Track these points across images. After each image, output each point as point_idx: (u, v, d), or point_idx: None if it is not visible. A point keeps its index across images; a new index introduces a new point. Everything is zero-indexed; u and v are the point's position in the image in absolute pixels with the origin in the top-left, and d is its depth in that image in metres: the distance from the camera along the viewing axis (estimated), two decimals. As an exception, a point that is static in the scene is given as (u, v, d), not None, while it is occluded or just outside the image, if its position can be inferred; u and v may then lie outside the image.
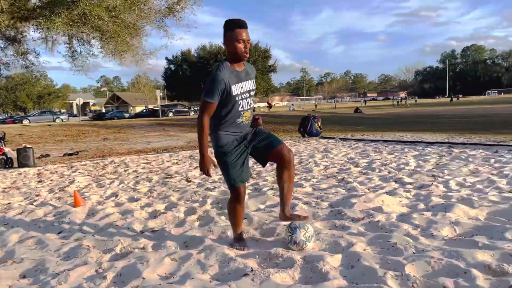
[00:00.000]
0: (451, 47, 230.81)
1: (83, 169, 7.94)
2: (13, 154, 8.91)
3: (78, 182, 6.35)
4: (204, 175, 2.98)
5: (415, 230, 3.26)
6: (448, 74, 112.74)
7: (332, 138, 11.82)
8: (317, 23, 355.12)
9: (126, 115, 51.35)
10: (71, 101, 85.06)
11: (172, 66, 61.78)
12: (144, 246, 3.32)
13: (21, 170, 8.18)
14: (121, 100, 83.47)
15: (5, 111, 72.01)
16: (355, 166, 6.57)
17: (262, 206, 4.37)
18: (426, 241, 2.99)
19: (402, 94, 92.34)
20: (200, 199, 4.85)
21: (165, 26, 16.56)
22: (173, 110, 47.46)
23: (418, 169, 5.97)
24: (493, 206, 3.78)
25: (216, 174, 6.56)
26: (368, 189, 4.82)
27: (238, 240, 3.19)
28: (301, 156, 8.18)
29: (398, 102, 65.63)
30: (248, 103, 2.97)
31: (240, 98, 2.89)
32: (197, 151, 10.07)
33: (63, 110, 73.03)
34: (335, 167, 6.65)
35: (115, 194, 5.38)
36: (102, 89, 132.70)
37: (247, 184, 5.48)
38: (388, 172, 5.86)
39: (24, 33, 15.56)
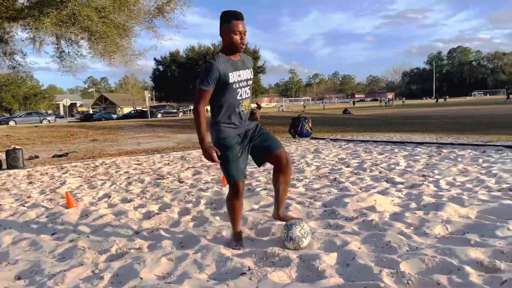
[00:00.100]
0: (437, 48, 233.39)
1: (73, 170, 7.88)
2: (1, 156, 8.80)
3: (70, 184, 6.31)
4: (212, 162, 2.98)
5: (408, 229, 3.32)
6: (434, 75, 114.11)
7: (323, 138, 11.89)
8: (305, 24, 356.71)
9: (114, 116, 50.95)
10: (57, 102, 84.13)
11: (160, 67, 61.44)
12: (139, 246, 3.32)
13: (11, 171, 8.09)
14: (108, 101, 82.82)
15: (-10, 112, 70.91)
16: (347, 166, 6.64)
17: (256, 206, 4.40)
18: (419, 239, 3.05)
19: (390, 95, 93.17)
20: (194, 199, 4.85)
21: (154, 27, 16.56)
22: (162, 111, 47.26)
23: (409, 169, 6.05)
24: (483, 204, 3.86)
25: (208, 174, 6.58)
26: (360, 189, 4.88)
27: (236, 239, 3.20)
28: (292, 156, 8.23)
29: (385, 103, 66.19)
30: (246, 92, 2.99)
31: (238, 86, 2.91)
32: (189, 152, 10.13)
33: (49, 111, 72.15)
34: (326, 167, 6.71)
35: (107, 195, 5.35)
36: (89, 90, 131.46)
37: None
38: (379, 172, 5.93)
39: (11, 34, 15.39)
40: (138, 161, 8.88)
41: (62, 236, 3.75)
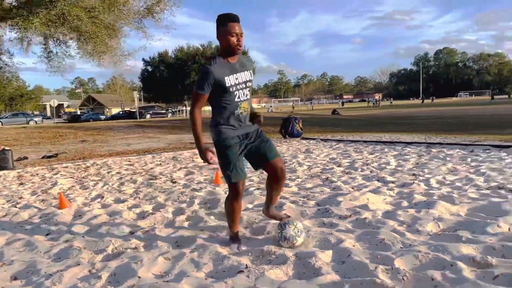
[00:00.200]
0: (424, 50, 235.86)
1: (64, 171, 7.83)
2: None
3: (61, 184, 6.27)
4: (208, 164, 3.01)
5: (401, 226, 3.38)
6: (421, 76, 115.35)
7: (313, 139, 11.97)
8: (294, 25, 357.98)
9: (102, 117, 50.55)
10: (44, 103, 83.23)
11: (149, 68, 61.17)
12: (136, 246, 3.34)
13: (0, 173, 8.00)
14: (96, 102, 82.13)
15: (-25, 113, 69.82)
16: (338, 166, 6.70)
17: (250, 206, 4.43)
18: (413, 237, 3.11)
19: (377, 96, 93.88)
20: (188, 199, 4.86)
21: (144, 27, 16.48)
22: (151, 111, 47.03)
23: (399, 168, 6.14)
24: (472, 202, 3.94)
25: (201, 175, 6.59)
26: (353, 188, 4.94)
27: (234, 240, 3.22)
28: (284, 156, 8.28)
29: (373, 103, 66.66)
30: (244, 93, 3.00)
31: (235, 89, 2.93)
32: (180, 152, 10.12)
33: (36, 112, 71.34)
34: (318, 167, 6.77)
35: (100, 196, 5.34)
36: (76, 91, 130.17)
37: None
38: (370, 172, 6.00)
39: (-1, 34, 15.19)
40: (129, 161, 8.85)
41: (57, 236, 3.74)
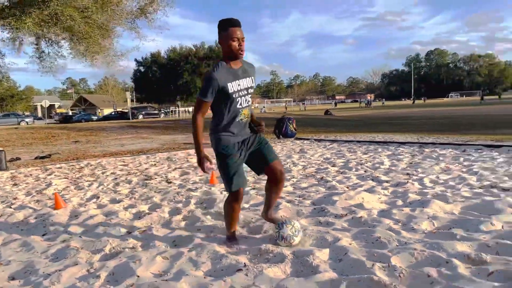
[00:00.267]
0: (415, 51, 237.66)
1: (58, 172, 7.79)
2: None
3: (56, 185, 6.25)
4: (203, 172, 3.02)
5: (396, 225, 3.43)
6: (413, 77, 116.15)
7: (307, 139, 12.02)
8: (286, 26, 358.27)
9: (94, 117, 50.28)
10: (35, 104, 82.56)
11: (141, 68, 60.94)
12: (133, 246, 3.35)
13: (-7, 173, 7.95)
14: (88, 103, 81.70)
15: (-35, 114, 69.01)
16: (332, 166, 6.75)
17: (246, 205, 4.44)
18: (408, 235, 3.15)
19: (369, 96, 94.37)
20: (184, 199, 4.87)
21: (137, 28, 16.44)
22: (143, 112, 46.90)
23: (393, 168, 6.20)
24: (466, 201, 4.00)
25: (196, 175, 6.60)
26: (347, 187, 4.98)
27: (231, 239, 3.24)
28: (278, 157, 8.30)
29: (366, 104, 66.89)
30: (246, 100, 3.01)
31: (237, 95, 2.93)
32: (174, 152, 10.12)
33: (27, 113, 70.71)
34: (313, 167, 6.81)
35: (96, 196, 5.33)
36: (68, 91, 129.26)
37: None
38: (365, 171, 6.06)
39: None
40: (124, 162, 8.83)
41: (54, 236, 3.74)
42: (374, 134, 12.90)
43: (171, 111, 53.50)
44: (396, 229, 3.29)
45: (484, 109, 30.23)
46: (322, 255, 2.82)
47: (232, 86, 2.89)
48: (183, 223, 3.93)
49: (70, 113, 59.87)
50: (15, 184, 6.59)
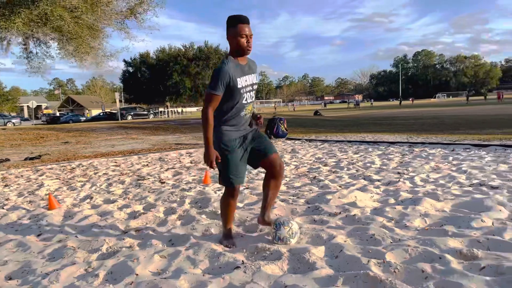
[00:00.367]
0: (403, 52, 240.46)
1: (50, 172, 7.74)
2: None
3: (48, 186, 6.21)
4: (210, 168, 3.00)
5: (389, 222, 3.50)
6: (400, 78, 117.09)
7: (298, 139, 12.09)
8: (274, 27, 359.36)
9: (82, 118, 49.88)
10: (21, 104, 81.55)
11: (130, 69, 60.54)
12: (130, 245, 3.36)
13: (-18, 175, 7.86)
14: (76, 103, 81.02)
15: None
16: (324, 165, 6.82)
17: (240, 205, 4.48)
18: (401, 232, 3.22)
19: (357, 97, 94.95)
20: (178, 199, 4.89)
21: (126, 28, 16.39)
22: (132, 113, 46.61)
23: (384, 167, 6.29)
24: (456, 199, 4.09)
25: (189, 175, 6.61)
26: (340, 186, 5.05)
27: (227, 237, 3.25)
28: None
29: (355, 104, 67.22)
30: (251, 96, 3.05)
31: (244, 91, 2.96)
32: (166, 153, 10.10)
33: (13, 114, 69.80)
34: (305, 166, 6.87)
35: (89, 197, 5.32)
36: (55, 92, 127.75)
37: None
38: (356, 171, 6.13)
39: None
40: (115, 162, 8.79)
41: (49, 237, 3.73)
42: (364, 134, 13.02)
43: (160, 112, 53.27)
44: (389, 227, 3.36)
45: (470, 110, 30.65)
46: (318, 252, 2.87)
47: (240, 81, 2.92)
48: (178, 223, 3.95)
49: (58, 114, 59.20)
50: (6, 185, 6.53)
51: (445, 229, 3.18)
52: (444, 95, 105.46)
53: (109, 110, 55.56)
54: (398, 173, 5.73)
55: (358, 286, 2.35)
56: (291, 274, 2.60)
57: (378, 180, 5.31)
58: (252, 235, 3.42)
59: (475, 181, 4.89)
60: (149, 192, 5.43)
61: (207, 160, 2.91)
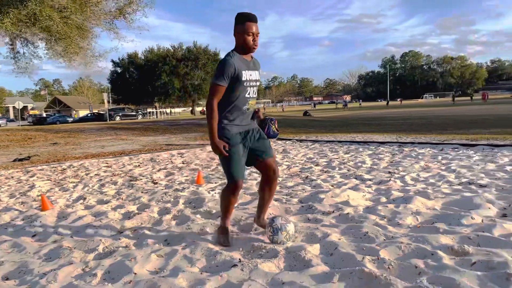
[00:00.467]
0: (390, 52, 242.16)
1: (41, 173, 7.68)
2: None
3: (39, 187, 6.18)
4: (223, 154, 3.00)
5: (382, 220, 3.57)
6: (388, 78, 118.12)
7: (289, 139, 12.16)
8: (263, 27, 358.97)
9: (70, 119, 49.43)
10: (7, 105, 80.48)
11: (118, 69, 60.03)
12: (126, 245, 3.37)
13: (-29, 176, 7.77)
14: (63, 104, 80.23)
15: None
16: (316, 165, 6.89)
17: (235, 204, 4.51)
18: (394, 229, 3.29)
19: (345, 97, 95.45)
20: (172, 199, 4.91)
21: (115, 28, 16.31)
22: (120, 114, 46.33)
23: (375, 167, 6.38)
24: (446, 197, 4.18)
25: (182, 175, 6.63)
26: (332, 186, 5.11)
27: (223, 231, 3.28)
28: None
29: (344, 105, 67.53)
30: (254, 91, 3.11)
31: (248, 84, 3.02)
32: (157, 153, 10.08)
33: (-2, 115, 68.83)
34: (297, 166, 6.94)
35: (82, 197, 5.31)
36: (41, 93, 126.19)
37: (216, 184, 5.62)
38: (348, 170, 6.21)
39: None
40: (107, 163, 8.76)
41: (44, 237, 3.73)
42: (354, 134, 13.14)
43: (149, 113, 52.96)
44: (382, 224, 3.43)
45: (457, 110, 31.06)
46: (313, 250, 2.92)
47: (245, 74, 2.97)
48: (173, 222, 3.97)
49: (44, 115, 58.49)
50: (-4, 187, 6.48)
51: (437, 227, 3.26)
52: (431, 96, 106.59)
53: (97, 111, 55.14)
54: (389, 172, 5.82)
55: (354, 282, 2.40)
56: (287, 271, 2.64)
57: (370, 180, 5.39)
58: (247, 234, 3.46)
59: (464, 180, 4.99)
60: (142, 192, 5.44)
61: (215, 149, 2.96)
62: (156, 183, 6.10)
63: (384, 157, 7.39)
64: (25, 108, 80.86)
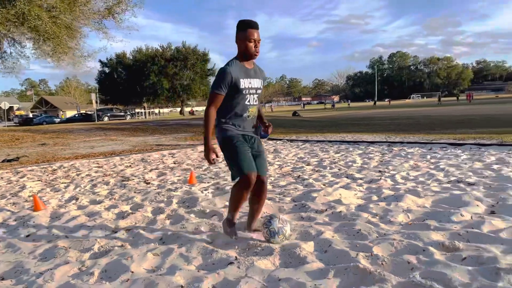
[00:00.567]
0: (378, 53, 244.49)
1: (31, 174, 7.62)
2: None
3: (30, 187, 6.14)
4: (209, 164, 3.08)
5: (374, 218, 3.64)
6: (376, 79, 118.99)
7: (280, 139, 12.23)
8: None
9: (57, 120, 48.90)
10: (-8, 106, 79.26)
11: (106, 69, 59.59)
12: (122, 244, 3.39)
13: (-41, 177, 7.68)
14: (50, 105, 79.34)
15: None
16: (307, 165, 6.95)
17: (228, 204, 4.55)
18: (386, 227, 3.37)
19: (334, 98, 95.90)
20: (165, 199, 4.92)
21: (104, 28, 16.22)
22: (109, 114, 45.98)
23: (365, 166, 6.46)
24: (436, 195, 4.28)
25: (174, 175, 6.64)
26: (324, 185, 5.18)
27: (231, 224, 3.29)
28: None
29: (332, 105, 67.91)
30: (254, 99, 3.13)
31: (247, 92, 3.06)
32: (148, 154, 10.07)
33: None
34: (288, 166, 7.00)
35: (74, 198, 5.30)
36: (27, 93, 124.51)
37: (209, 184, 5.64)
38: (339, 169, 6.28)
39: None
40: (98, 164, 8.72)
41: (38, 237, 3.73)
42: (344, 134, 13.26)
43: (138, 113, 52.65)
44: (374, 222, 3.50)
45: (443, 110, 31.47)
46: (308, 247, 2.98)
47: (243, 82, 3.01)
48: (168, 222, 3.99)
49: (31, 115, 57.76)
50: (-14, 188, 6.42)
51: (427, 224, 3.34)
52: (419, 96, 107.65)
53: (84, 111, 54.64)
54: (379, 171, 5.91)
55: (349, 278, 2.46)
56: (283, 268, 2.69)
57: (361, 178, 5.46)
58: (242, 233, 3.49)
59: (452, 178, 5.10)
60: (135, 192, 5.44)
61: (206, 156, 3.03)
62: (149, 183, 6.11)
63: (374, 156, 7.49)
64: (11, 108, 79.77)
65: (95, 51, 17.00)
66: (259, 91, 3.19)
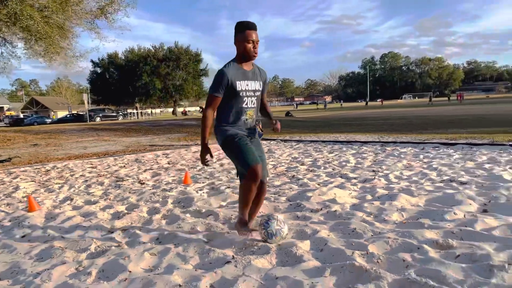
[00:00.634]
0: (370, 54, 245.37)
1: (24, 175, 7.58)
2: None
3: (24, 188, 6.10)
4: (203, 165, 3.13)
5: (369, 217, 3.68)
6: (368, 79, 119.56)
7: (274, 139, 12.27)
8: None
9: (48, 120, 48.49)
10: (-19, 106, 78.54)
11: (98, 69, 59.29)
12: (118, 244, 3.39)
13: (-50, 178, 7.61)
14: (41, 105, 78.77)
15: None
16: (301, 165, 6.99)
17: (224, 203, 4.58)
18: (381, 225, 3.41)
19: (326, 98, 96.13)
20: (160, 199, 4.93)
21: (96, 28, 16.15)
22: (101, 114, 45.77)
23: (359, 166, 6.51)
24: (429, 194, 4.33)
25: (168, 175, 6.64)
26: (319, 184, 5.22)
27: (243, 224, 3.26)
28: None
29: (324, 105, 68.09)
30: (252, 101, 3.14)
31: (244, 95, 3.07)
32: (142, 154, 10.05)
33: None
34: (283, 166, 7.03)
35: (69, 198, 5.28)
36: (18, 93, 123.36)
37: (203, 184, 5.66)
38: (333, 169, 6.33)
39: None
40: (91, 164, 8.69)
41: (34, 238, 3.72)
42: (337, 134, 13.33)
43: (130, 113, 52.42)
44: (369, 221, 3.54)
45: (435, 110, 31.72)
46: (304, 246, 3.00)
47: (240, 85, 3.03)
48: (164, 222, 4.00)
49: (21, 116, 57.24)
50: (-21, 188, 6.37)
51: (421, 222, 3.38)
52: (410, 96, 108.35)
53: (76, 112, 54.29)
54: (373, 171, 5.96)
55: (345, 276, 2.49)
56: (280, 267, 2.72)
57: (355, 178, 5.51)
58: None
59: (445, 178, 5.16)
60: (130, 193, 5.44)
61: (201, 156, 3.09)
62: (143, 183, 6.11)
63: (367, 156, 7.55)
64: (1, 109, 79.11)
65: (87, 51, 16.97)
66: (257, 93, 3.18)
